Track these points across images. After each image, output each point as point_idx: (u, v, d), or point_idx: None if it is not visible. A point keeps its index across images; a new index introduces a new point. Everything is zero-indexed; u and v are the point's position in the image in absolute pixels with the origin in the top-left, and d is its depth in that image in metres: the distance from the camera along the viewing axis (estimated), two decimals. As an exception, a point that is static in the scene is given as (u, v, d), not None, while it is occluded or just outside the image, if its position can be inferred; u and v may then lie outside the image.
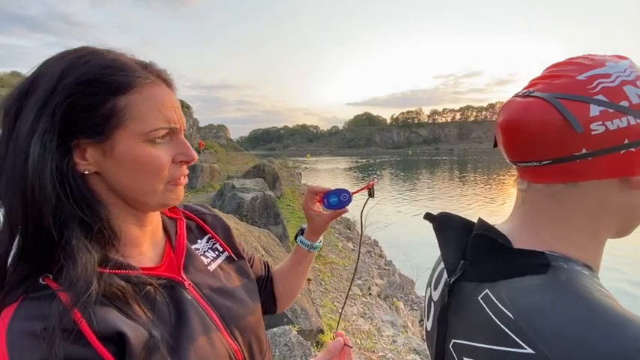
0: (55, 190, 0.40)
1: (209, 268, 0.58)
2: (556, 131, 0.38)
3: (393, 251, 7.15)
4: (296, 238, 0.79)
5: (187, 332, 0.47)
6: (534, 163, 0.41)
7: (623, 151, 0.36)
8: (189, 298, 0.51)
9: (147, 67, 0.48)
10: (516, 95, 0.43)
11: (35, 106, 0.41)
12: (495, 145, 0.50)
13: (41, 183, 0.39)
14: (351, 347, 0.53)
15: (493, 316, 0.40)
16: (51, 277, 0.40)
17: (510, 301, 0.39)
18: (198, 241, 0.61)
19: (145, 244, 0.51)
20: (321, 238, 0.78)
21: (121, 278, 0.43)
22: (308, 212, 0.73)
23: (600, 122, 0.36)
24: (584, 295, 0.35)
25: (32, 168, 0.39)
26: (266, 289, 0.76)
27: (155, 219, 0.54)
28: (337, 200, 0.72)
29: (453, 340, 0.47)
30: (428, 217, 0.56)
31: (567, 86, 0.38)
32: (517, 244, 0.43)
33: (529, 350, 0.35)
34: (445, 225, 0.53)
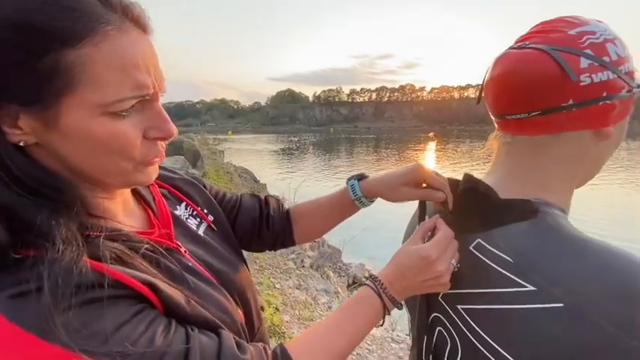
0: None
1: (198, 233, 0.54)
2: (552, 81, 0.39)
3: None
4: (349, 180, 0.62)
5: (200, 289, 0.44)
6: (523, 115, 0.43)
7: (600, 103, 0.40)
8: (190, 265, 0.47)
9: (112, 5, 0.35)
10: (510, 48, 0.44)
11: None
12: (479, 102, 0.51)
13: None
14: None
15: (489, 262, 0.42)
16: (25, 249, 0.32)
17: (507, 246, 0.42)
18: (177, 207, 0.55)
19: (119, 215, 0.44)
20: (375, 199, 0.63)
21: (111, 239, 0.37)
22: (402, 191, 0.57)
23: (588, 74, 0.39)
24: (573, 234, 0.39)
25: None
26: (269, 226, 0.66)
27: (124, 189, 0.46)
28: None
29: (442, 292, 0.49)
30: None
31: (561, 40, 0.40)
32: (503, 194, 0.45)
33: (530, 287, 0.38)
34: None
